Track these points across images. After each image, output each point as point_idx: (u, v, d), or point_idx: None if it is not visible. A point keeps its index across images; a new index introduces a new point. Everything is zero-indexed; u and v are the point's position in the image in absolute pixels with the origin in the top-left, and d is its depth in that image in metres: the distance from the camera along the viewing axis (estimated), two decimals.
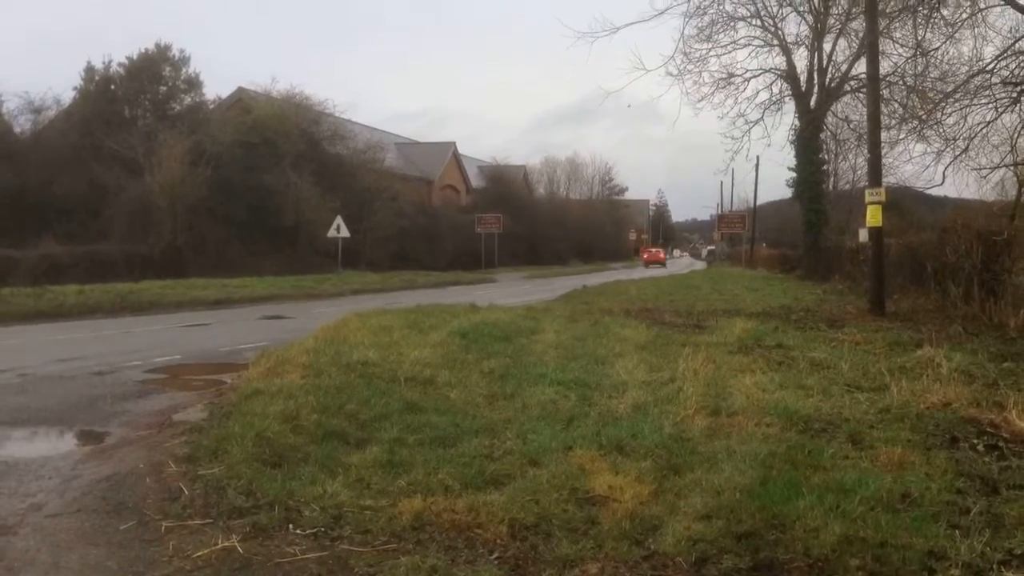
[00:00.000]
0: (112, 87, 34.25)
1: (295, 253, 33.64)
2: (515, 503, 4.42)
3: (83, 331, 14.94)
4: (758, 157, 63.19)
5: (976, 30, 17.29)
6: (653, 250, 79.60)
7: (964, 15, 16.80)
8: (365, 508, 4.46)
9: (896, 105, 23.78)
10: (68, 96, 34.19)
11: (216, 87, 78.26)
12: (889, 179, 24.73)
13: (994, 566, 3.63)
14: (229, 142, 33.13)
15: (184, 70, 35.68)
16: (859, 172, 36.84)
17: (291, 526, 4.29)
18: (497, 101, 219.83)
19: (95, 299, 19.51)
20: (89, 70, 34.16)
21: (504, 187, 57.60)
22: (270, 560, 3.92)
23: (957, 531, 4.00)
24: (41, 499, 4.98)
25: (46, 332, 14.83)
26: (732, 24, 27.51)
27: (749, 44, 28.46)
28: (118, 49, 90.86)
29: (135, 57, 34.47)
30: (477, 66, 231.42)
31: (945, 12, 17.37)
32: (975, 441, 5.63)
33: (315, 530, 4.22)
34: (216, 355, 11.79)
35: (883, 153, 17.62)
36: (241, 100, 40.32)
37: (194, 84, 36.11)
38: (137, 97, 34.72)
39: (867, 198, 14.90)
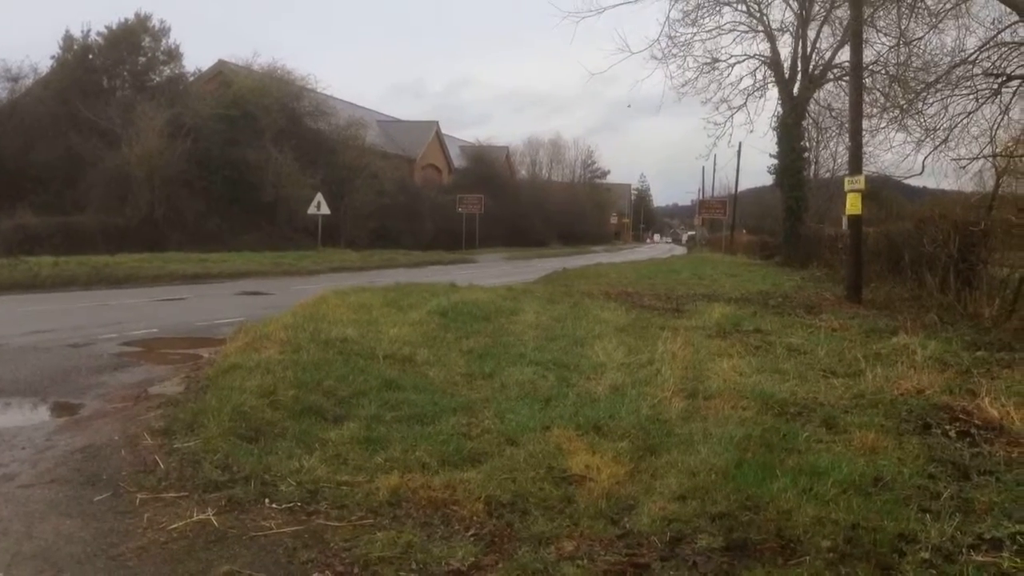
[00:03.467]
0: (90, 56, 33.71)
1: (274, 229, 33.35)
2: (492, 481, 4.43)
3: (58, 303, 14.77)
4: (740, 143, 63.44)
5: (959, 21, 17.36)
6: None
7: (948, 5, 16.83)
8: (342, 483, 4.46)
9: (878, 94, 23.93)
10: (46, 64, 33.72)
11: (196, 59, 76.87)
12: (869, 168, 24.97)
13: (964, 550, 3.68)
14: (209, 115, 32.73)
15: (164, 41, 35.23)
16: (839, 160, 36.99)
17: (267, 500, 4.28)
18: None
19: (70, 271, 19.29)
20: (67, 38, 33.59)
21: (486, 168, 57.35)
22: (245, 533, 3.91)
23: (928, 515, 4.06)
24: (14, 469, 4.93)
25: (20, 303, 14.64)
26: (718, 8, 27.54)
27: (734, 29, 28.47)
28: (97, 18, 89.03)
29: (114, 26, 33.94)
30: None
31: (929, 2, 17.40)
32: (947, 427, 5.71)
33: (291, 504, 4.22)
34: (193, 329, 11.70)
35: (864, 142, 17.73)
36: (221, 73, 39.79)
37: (174, 55, 35.62)
38: (115, 67, 34.16)
39: (847, 186, 14.98)
